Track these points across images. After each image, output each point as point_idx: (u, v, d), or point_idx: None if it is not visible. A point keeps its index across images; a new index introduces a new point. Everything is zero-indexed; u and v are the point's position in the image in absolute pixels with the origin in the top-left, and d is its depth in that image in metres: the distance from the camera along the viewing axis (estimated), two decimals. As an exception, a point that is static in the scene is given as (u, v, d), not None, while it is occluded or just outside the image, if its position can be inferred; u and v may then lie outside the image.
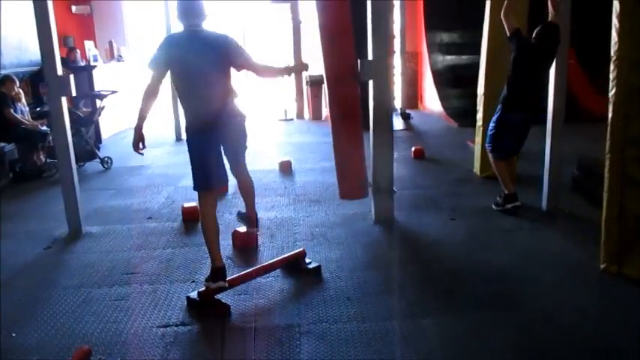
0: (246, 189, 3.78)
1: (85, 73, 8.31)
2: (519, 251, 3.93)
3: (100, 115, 7.27)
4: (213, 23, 3.38)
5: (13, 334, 2.98)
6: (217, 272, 3.22)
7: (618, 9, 3.22)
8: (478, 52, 5.91)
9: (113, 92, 7.34)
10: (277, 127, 9.77)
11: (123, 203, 5.39)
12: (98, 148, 7.21)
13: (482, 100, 5.66)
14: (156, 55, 3.16)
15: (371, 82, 4.30)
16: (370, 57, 4.29)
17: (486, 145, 4.84)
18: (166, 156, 7.54)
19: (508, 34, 4.44)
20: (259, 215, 3.89)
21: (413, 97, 11.03)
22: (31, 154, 6.50)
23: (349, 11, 4.03)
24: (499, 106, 4.62)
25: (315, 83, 9.88)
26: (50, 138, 6.34)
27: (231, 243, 4.12)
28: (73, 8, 9.94)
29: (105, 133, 8.49)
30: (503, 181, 4.71)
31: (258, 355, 2.75)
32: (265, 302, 3.31)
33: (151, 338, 2.92)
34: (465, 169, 6.11)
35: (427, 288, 3.43)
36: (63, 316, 3.17)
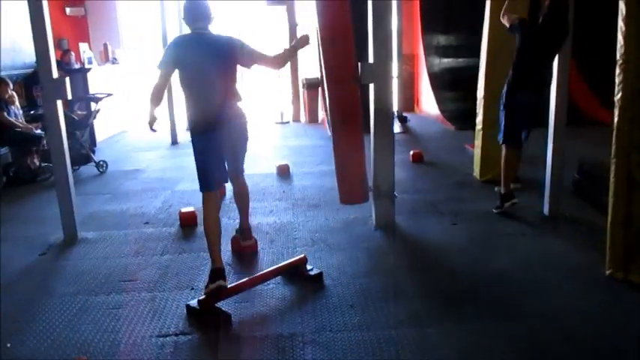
0: (242, 196, 3.86)
1: (79, 76, 8.22)
2: (521, 256, 3.89)
3: (95, 118, 7.20)
4: (219, 25, 3.47)
5: (9, 345, 2.89)
6: (217, 272, 3.20)
7: (624, 12, 3.18)
8: (475, 55, 5.87)
9: (108, 95, 7.28)
10: (274, 130, 9.71)
11: (119, 208, 5.31)
12: (93, 152, 7.12)
13: (482, 103, 5.61)
14: (164, 56, 3.31)
15: (371, 85, 4.24)
16: (371, 60, 4.24)
17: (499, 137, 4.72)
18: (162, 160, 7.46)
19: (508, 25, 4.45)
20: (258, 220, 3.84)
21: (409, 100, 11.01)
22: (24, 157, 6.42)
23: (349, 12, 3.96)
24: (504, 90, 4.56)
25: (311, 86, 9.83)
26: (44, 141, 6.26)
27: (230, 249, 4.05)
28: (67, 10, 9.85)
29: (99, 136, 8.39)
30: (504, 177, 4.65)
31: (261, 366, 2.69)
32: (267, 310, 3.24)
33: (150, 348, 2.84)
34: (464, 172, 6.06)
35: (430, 295, 3.38)
36: (59, 325, 3.09)
